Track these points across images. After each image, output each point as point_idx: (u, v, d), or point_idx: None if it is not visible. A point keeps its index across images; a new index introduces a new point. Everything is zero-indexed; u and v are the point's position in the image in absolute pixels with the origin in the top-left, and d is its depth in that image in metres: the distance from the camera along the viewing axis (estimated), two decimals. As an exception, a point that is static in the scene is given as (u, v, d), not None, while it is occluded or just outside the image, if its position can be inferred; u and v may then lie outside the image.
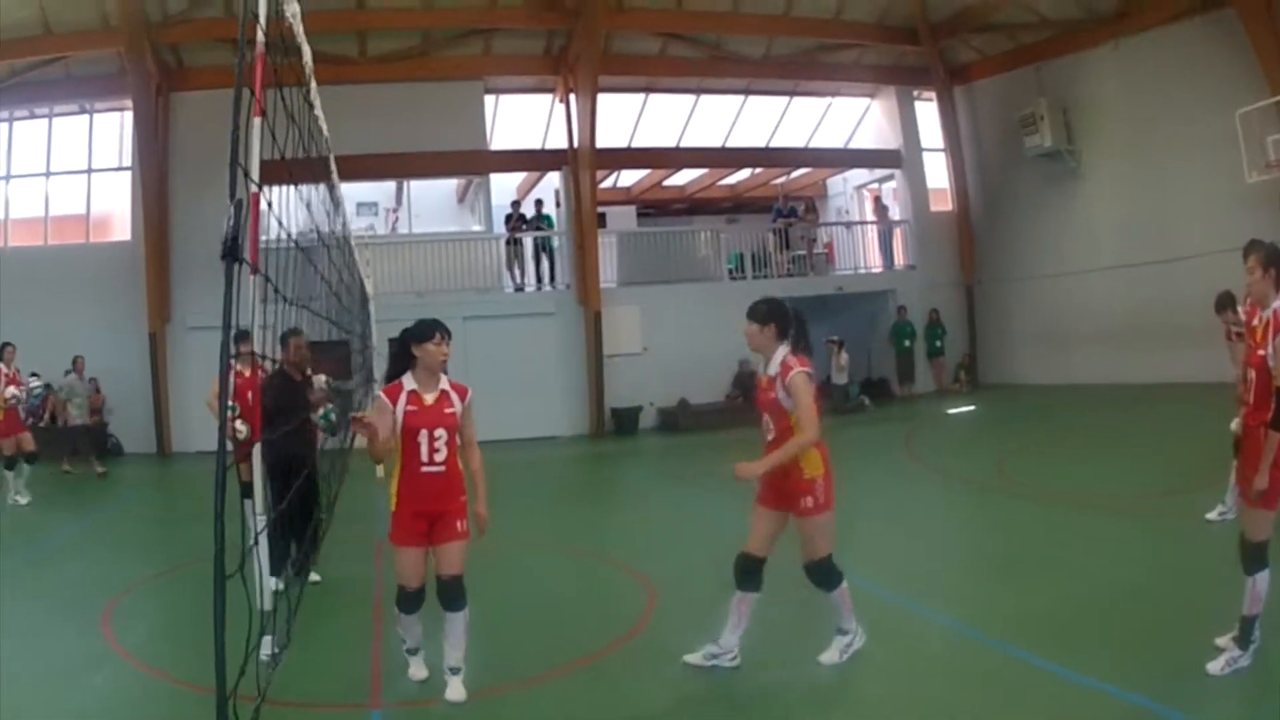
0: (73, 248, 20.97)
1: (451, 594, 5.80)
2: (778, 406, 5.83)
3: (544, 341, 21.92)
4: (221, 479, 3.52)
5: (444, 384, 5.90)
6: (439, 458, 5.78)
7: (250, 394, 6.32)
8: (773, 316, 5.93)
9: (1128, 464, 12.19)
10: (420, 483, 5.78)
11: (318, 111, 7.65)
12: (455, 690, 5.80)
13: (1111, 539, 8.78)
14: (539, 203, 23.37)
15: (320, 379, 9.43)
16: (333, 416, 9.40)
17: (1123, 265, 21.46)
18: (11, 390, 13.57)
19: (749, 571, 5.93)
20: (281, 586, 6.28)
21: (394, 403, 5.76)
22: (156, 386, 19.96)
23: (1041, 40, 23.20)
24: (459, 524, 5.83)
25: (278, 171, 5.26)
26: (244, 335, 5.76)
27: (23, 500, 13.39)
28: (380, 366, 14.56)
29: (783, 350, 5.88)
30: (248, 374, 6.72)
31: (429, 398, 5.82)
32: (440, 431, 5.78)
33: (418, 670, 6.12)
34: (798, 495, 5.80)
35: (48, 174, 21.33)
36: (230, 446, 3.78)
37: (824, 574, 5.89)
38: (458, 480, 5.88)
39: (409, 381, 5.85)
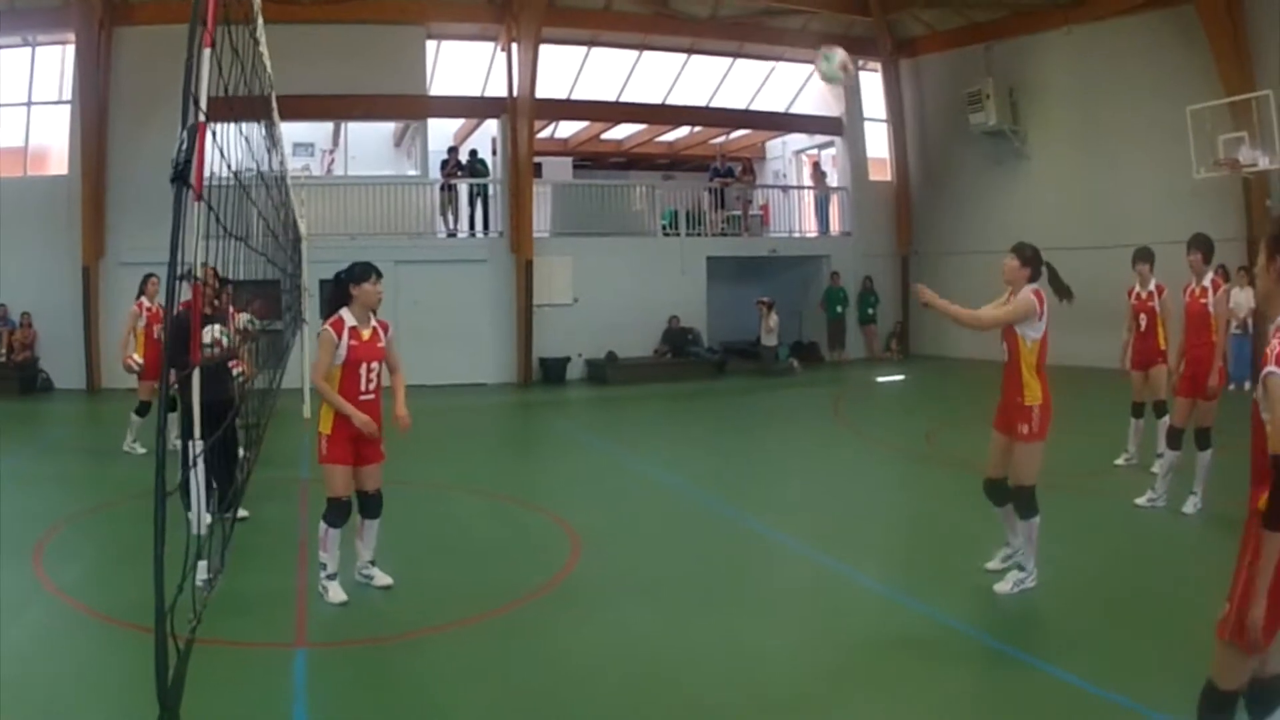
0: (9, 181, 20.26)
1: (376, 505, 6.77)
2: (1011, 332, 6.84)
3: (475, 288, 21.81)
4: (164, 395, 3.61)
5: (373, 321, 6.61)
6: (371, 387, 6.58)
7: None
8: (1034, 261, 6.91)
9: (1056, 443, 12.38)
10: (358, 409, 6.43)
11: (263, 49, 7.56)
12: (382, 578, 6.87)
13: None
14: (473, 152, 23.24)
15: (243, 318, 9.40)
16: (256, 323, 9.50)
17: (1062, 247, 21.20)
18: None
19: (994, 491, 6.94)
20: (209, 520, 6.31)
21: (339, 336, 6.37)
22: (88, 322, 19.55)
23: (993, 20, 23.27)
24: (380, 447, 6.67)
25: (222, 108, 5.24)
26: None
27: (140, 450, 12.48)
28: (311, 307, 14.44)
29: (1028, 288, 6.81)
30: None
31: (365, 333, 6.53)
32: (375, 364, 6.58)
33: (337, 594, 6.49)
34: (1016, 421, 6.72)
35: (-12, 106, 20.73)
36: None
37: (1024, 501, 6.73)
38: (380, 408, 6.62)
39: (348, 318, 6.45)
